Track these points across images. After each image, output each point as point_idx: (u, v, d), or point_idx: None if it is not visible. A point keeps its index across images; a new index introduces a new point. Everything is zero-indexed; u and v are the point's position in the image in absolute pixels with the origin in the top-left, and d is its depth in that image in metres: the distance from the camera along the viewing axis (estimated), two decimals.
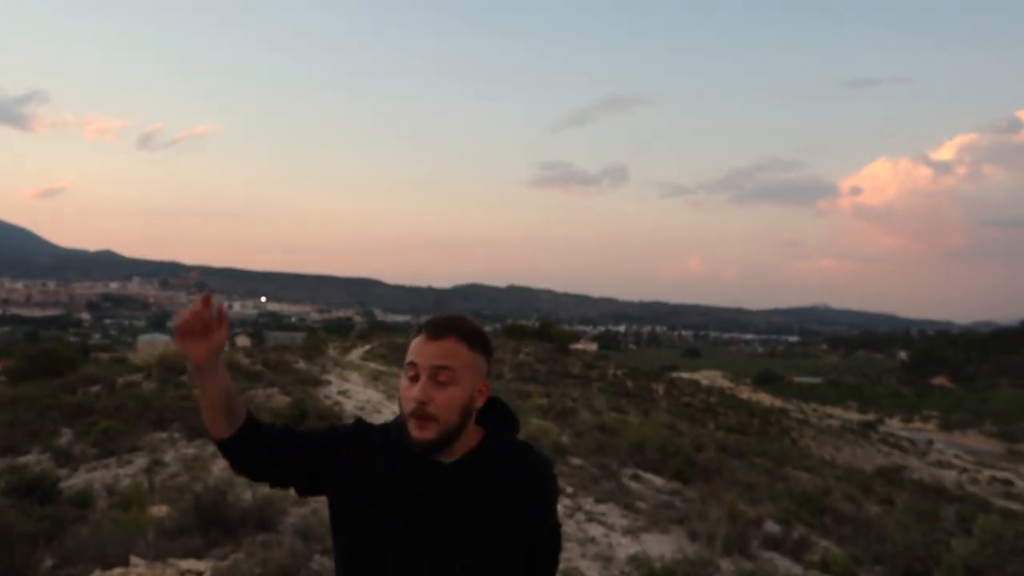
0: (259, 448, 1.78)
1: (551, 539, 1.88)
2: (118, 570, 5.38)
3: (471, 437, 1.75)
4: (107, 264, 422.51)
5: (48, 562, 6.32)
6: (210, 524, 6.08)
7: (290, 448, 1.78)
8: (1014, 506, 30.34)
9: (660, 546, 6.46)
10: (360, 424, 1.85)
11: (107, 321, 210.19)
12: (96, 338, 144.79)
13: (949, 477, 42.53)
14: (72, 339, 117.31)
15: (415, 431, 1.66)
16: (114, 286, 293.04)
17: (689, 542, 6.70)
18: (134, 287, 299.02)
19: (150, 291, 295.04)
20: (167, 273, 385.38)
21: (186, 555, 5.66)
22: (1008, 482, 46.59)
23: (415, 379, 1.68)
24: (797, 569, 6.57)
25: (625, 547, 6.30)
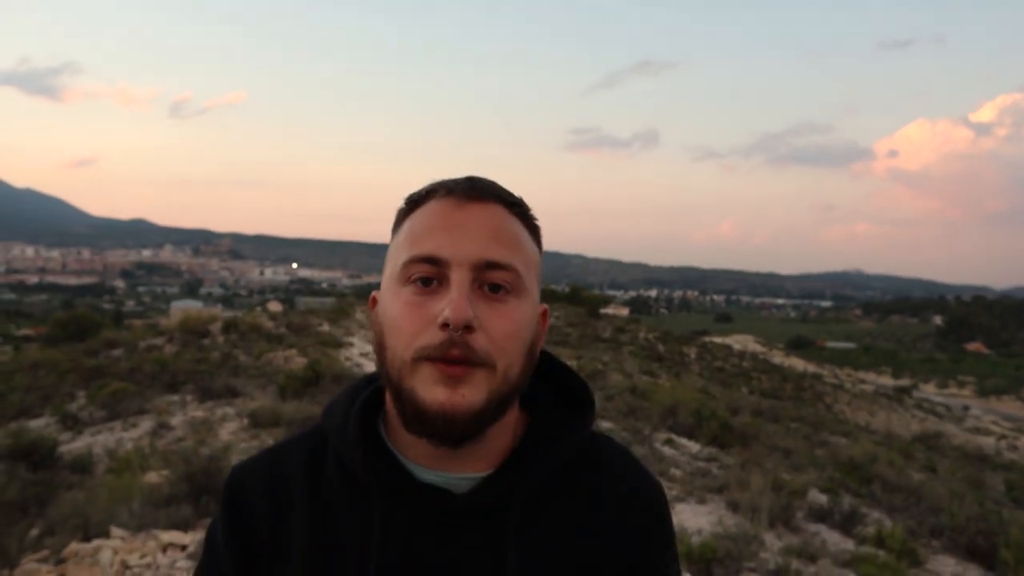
0: None
1: None
2: (96, 542, 4.87)
3: (508, 428, 0.91)
4: (140, 232, 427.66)
5: (35, 531, 5.86)
6: (202, 492, 5.56)
7: None
8: None
9: (697, 518, 5.84)
10: (243, 477, 0.94)
11: (141, 288, 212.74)
12: (130, 305, 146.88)
13: (987, 444, 41.53)
14: (106, 306, 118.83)
15: (441, 392, 0.81)
16: (147, 254, 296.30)
17: (730, 514, 6.07)
18: (167, 255, 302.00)
19: (182, 258, 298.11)
20: (199, 240, 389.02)
21: (172, 526, 5.14)
22: None
23: (431, 287, 0.84)
24: (848, 544, 5.93)
25: None
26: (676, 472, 7.51)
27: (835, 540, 6.05)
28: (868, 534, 6.16)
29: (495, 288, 0.83)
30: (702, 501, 6.47)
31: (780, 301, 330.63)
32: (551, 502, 0.90)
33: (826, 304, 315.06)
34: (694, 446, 9.69)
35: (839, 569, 5.13)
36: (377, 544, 0.86)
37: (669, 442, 9.47)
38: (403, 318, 0.83)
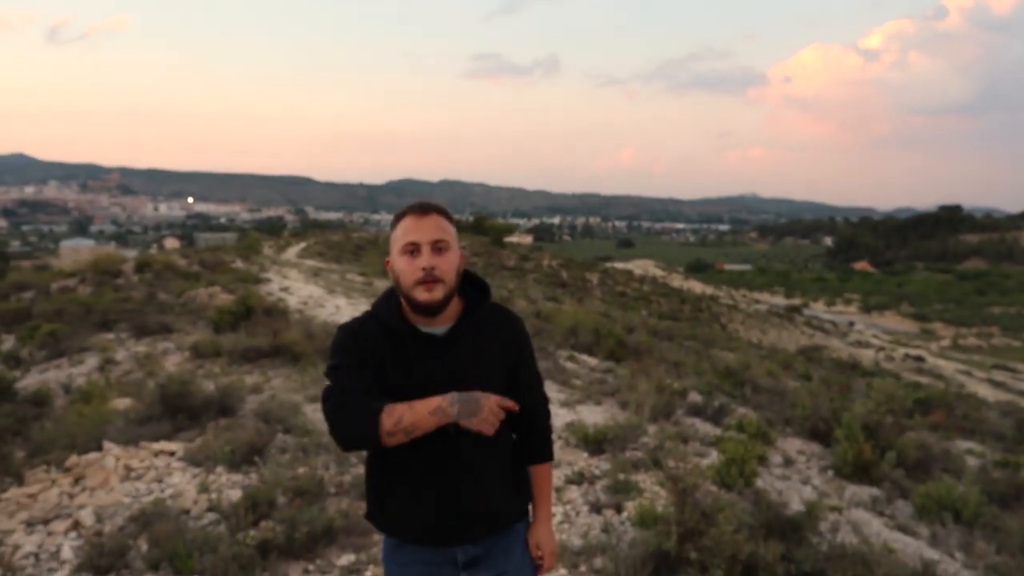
0: None
1: (535, 381, 2.24)
2: (94, 455, 5.76)
3: (455, 306, 2.10)
4: (20, 168, 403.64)
5: (20, 454, 6.65)
6: (176, 411, 6.46)
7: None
8: (923, 379, 32.54)
9: (594, 415, 7.10)
10: (351, 327, 2.10)
11: (25, 227, 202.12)
12: (15, 246, 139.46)
13: (867, 356, 45.05)
14: None
15: (424, 294, 2.00)
16: (30, 191, 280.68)
17: (620, 411, 7.37)
18: (51, 191, 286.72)
19: (69, 195, 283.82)
20: (86, 175, 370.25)
21: (156, 439, 6.07)
22: (920, 358, 49.65)
23: (414, 254, 2.01)
24: (716, 431, 7.29)
25: (562, 417, 6.92)
26: (576, 381, 8.78)
27: (707, 429, 7.40)
28: (732, 423, 7.54)
29: (439, 249, 2.02)
30: (598, 403, 7.74)
31: (680, 226, 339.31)
32: (479, 333, 2.11)
33: (724, 228, 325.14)
34: (593, 361, 11.02)
35: (705, 447, 6.46)
36: (413, 358, 2.05)
37: (571, 358, 10.76)
38: (406, 269, 2.02)
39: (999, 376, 45.92)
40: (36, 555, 3.94)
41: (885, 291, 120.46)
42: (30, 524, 4.36)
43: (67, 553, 3.93)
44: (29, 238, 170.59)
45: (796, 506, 4.84)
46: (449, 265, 2.01)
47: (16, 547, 4.01)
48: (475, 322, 2.09)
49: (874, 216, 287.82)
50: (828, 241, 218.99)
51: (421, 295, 1.99)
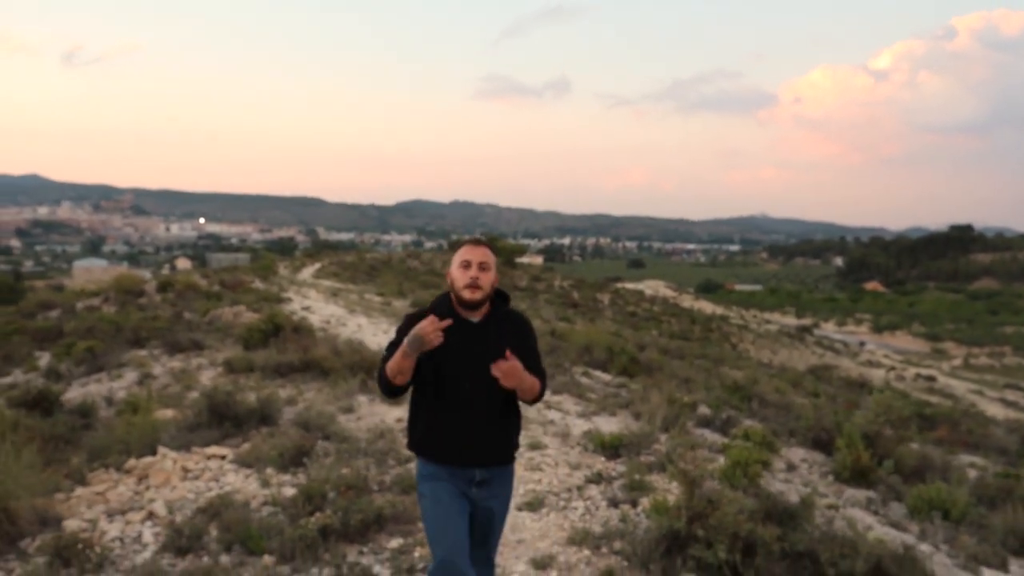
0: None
1: (536, 358, 3.19)
2: (149, 458, 6.28)
3: (486, 306, 3.13)
4: (34, 188, 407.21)
5: (76, 459, 7.17)
6: (222, 419, 6.98)
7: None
8: (934, 398, 32.75)
9: (609, 425, 7.58)
10: (411, 314, 3.13)
11: (38, 247, 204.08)
12: (29, 265, 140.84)
13: (878, 375, 45.20)
14: (3, 267, 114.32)
15: (469, 294, 3.05)
16: (43, 211, 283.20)
17: (634, 421, 7.85)
18: (65, 212, 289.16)
19: (82, 215, 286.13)
20: (99, 196, 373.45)
21: (206, 444, 6.59)
22: (931, 378, 49.74)
23: (467, 268, 3.05)
24: (724, 440, 7.76)
25: (580, 426, 7.41)
26: (592, 395, 9.26)
27: (715, 438, 7.88)
28: (739, 433, 8.01)
29: (483, 268, 3.07)
30: (613, 414, 8.22)
31: (691, 246, 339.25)
32: (500, 325, 3.14)
33: (734, 248, 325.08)
34: (606, 376, 11.50)
35: (713, 454, 6.93)
36: (460, 336, 3.03)
37: (586, 374, 11.26)
38: (460, 276, 3.08)
39: (1011, 395, 45.99)
40: (121, 539, 4.46)
41: (896, 311, 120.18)
42: (109, 515, 4.89)
43: (148, 538, 4.45)
44: (42, 258, 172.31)
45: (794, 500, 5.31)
46: (488, 278, 3.06)
47: (103, 533, 4.53)
48: (498, 317, 3.14)
49: (885, 236, 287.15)
50: (839, 261, 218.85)
51: (467, 295, 3.04)
